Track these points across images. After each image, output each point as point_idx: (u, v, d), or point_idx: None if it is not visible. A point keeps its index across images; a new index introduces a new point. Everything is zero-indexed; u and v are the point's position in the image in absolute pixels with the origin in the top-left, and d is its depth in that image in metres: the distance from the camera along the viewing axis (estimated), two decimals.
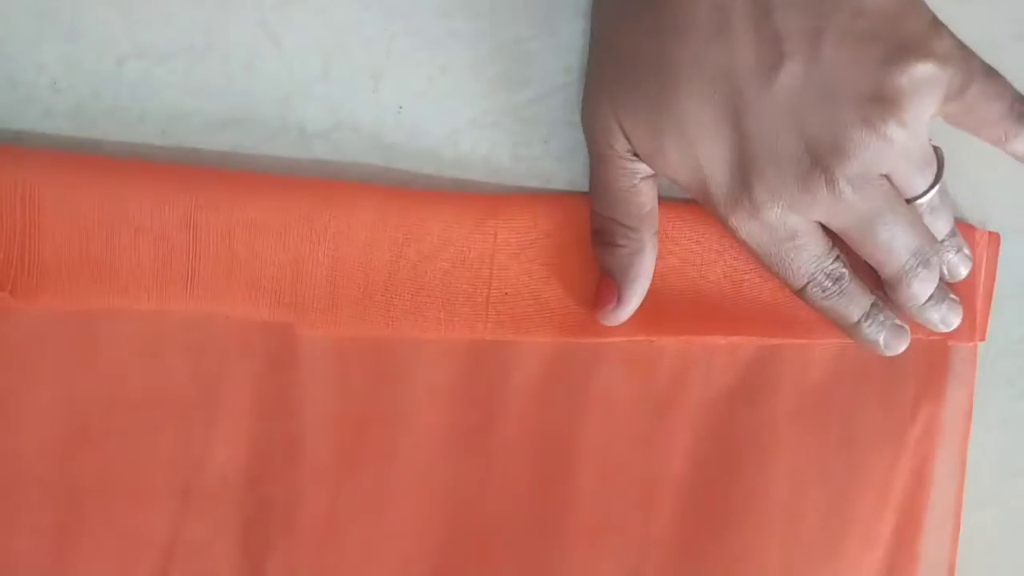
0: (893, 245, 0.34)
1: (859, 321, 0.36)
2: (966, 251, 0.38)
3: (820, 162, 0.33)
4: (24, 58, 0.33)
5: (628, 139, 0.34)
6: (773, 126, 0.32)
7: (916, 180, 0.34)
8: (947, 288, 0.37)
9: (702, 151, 0.33)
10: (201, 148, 0.34)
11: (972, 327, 0.38)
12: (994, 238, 0.39)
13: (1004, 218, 0.39)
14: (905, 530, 0.38)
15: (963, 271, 0.38)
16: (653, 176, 0.35)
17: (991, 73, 0.34)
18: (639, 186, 0.34)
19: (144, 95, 0.34)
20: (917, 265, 0.35)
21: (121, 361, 0.34)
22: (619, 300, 0.35)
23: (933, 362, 0.38)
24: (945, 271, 0.37)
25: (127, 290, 0.33)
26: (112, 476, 0.34)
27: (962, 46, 0.33)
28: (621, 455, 0.37)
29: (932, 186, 0.35)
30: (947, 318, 0.37)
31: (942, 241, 0.37)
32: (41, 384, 0.34)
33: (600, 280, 0.35)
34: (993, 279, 0.39)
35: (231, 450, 0.35)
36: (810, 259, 0.35)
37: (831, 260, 0.35)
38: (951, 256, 0.37)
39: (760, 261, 0.35)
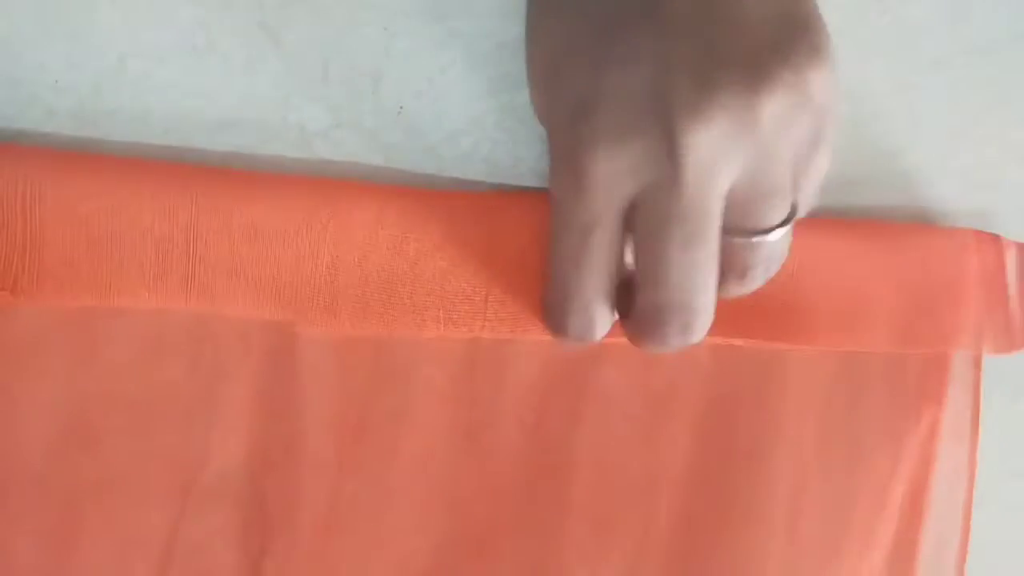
0: (670, 276, 0.29)
1: None
2: None
3: (667, 113, 0.27)
4: (25, 57, 0.33)
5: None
6: (629, 74, 0.28)
7: (765, 210, 0.28)
8: None
9: (562, 66, 0.30)
10: (202, 148, 0.34)
11: (1012, 336, 0.38)
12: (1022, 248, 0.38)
13: (1001, 220, 0.38)
14: (905, 534, 0.38)
15: None
16: None
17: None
18: None
19: (145, 95, 0.34)
20: (675, 327, 0.29)
21: (121, 360, 0.34)
22: None
23: (933, 366, 0.38)
24: None
25: (127, 289, 0.33)
26: (111, 475, 0.35)
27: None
28: (620, 455, 0.37)
29: (781, 223, 0.29)
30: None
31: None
32: (40, 382, 0.34)
33: None
34: None
35: (230, 449, 0.35)
36: (607, 262, 0.30)
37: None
38: None
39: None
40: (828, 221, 0.36)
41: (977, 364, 0.38)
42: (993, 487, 0.38)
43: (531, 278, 0.35)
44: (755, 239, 0.29)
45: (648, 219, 0.28)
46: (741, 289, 0.31)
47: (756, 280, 0.30)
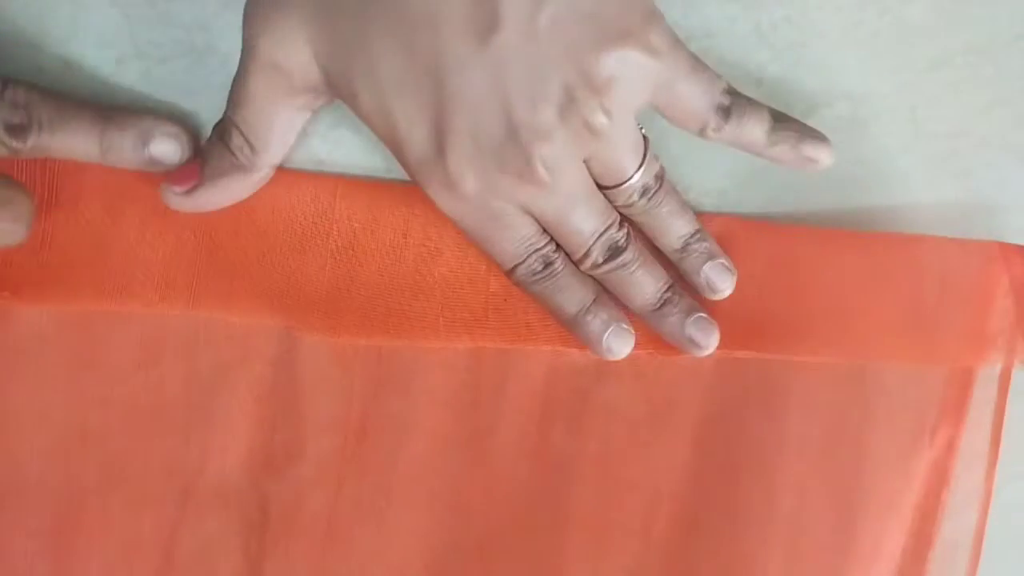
0: (583, 228, 0.33)
1: (577, 314, 0.34)
2: (723, 261, 0.35)
3: (518, 141, 0.30)
4: (24, 58, 0.33)
5: (313, 59, 0.31)
6: (476, 94, 0.30)
7: (621, 166, 0.32)
8: (693, 304, 0.35)
9: (396, 104, 0.30)
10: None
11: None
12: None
13: (1001, 219, 0.38)
14: (913, 553, 0.37)
15: (722, 284, 0.35)
16: (311, 110, 0.33)
17: (699, 69, 0.32)
18: (282, 110, 0.32)
19: (144, 95, 0.34)
20: (597, 240, 0.33)
21: (122, 364, 0.34)
22: (193, 191, 0.32)
23: (956, 383, 0.37)
24: (703, 283, 0.35)
25: (131, 292, 0.33)
26: (112, 479, 0.34)
27: (676, 40, 0.32)
28: (622, 465, 0.36)
29: (637, 169, 0.33)
30: (695, 335, 0.35)
31: (685, 244, 0.35)
32: (43, 386, 0.34)
33: (189, 164, 0.33)
34: None
35: (231, 453, 0.35)
36: (518, 240, 0.33)
37: (543, 243, 0.33)
38: (704, 267, 0.35)
39: (469, 238, 0.33)
40: (843, 233, 0.36)
41: (1005, 384, 0.37)
42: (994, 487, 0.38)
43: None
44: (622, 188, 0.33)
45: (548, 220, 0.33)
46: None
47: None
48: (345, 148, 0.35)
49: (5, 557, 0.34)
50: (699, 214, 0.36)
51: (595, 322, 0.34)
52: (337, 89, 0.31)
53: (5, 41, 0.33)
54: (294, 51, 0.30)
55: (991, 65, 0.37)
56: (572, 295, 0.34)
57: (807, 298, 0.36)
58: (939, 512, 0.37)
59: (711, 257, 0.35)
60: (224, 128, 0.32)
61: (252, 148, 0.32)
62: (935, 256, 0.36)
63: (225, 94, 0.34)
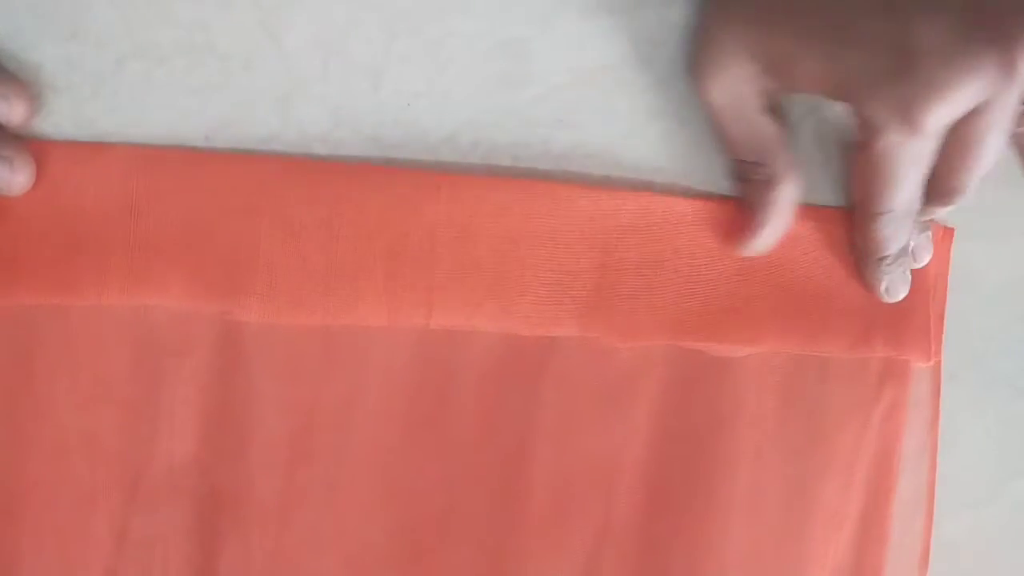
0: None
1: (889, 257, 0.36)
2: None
3: (1002, 41, 0.31)
4: (24, 58, 0.33)
5: (760, 69, 0.33)
6: (937, 22, 0.31)
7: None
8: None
9: (848, 55, 0.32)
10: (201, 149, 0.34)
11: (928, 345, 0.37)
12: (948, 233, 0.38)
13: (1003, 220, 0.39)
14: (873, 511, 0.38)
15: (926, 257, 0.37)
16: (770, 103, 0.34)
17: None
18: (760, 116, 0.34)
19: (144, 95, 0.34)
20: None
21: (64, 358, 0.34)
22: (757, 233, 0.35)
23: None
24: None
25: (65, 283, 0.33)
26: (59, 473, 0.34)
27: None
28: (579, 442, 0.36)
29: None
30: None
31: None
32: None
33: (742, 213, 0.35)
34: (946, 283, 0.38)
35: (179, 442, 0.35)
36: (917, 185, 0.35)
37: None
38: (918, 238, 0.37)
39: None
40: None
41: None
42: (994, 486, 0.38)
43: (479, 264, 0.34)
44: None
45: (977, 128, 0.33)
46: None
47: None
48: (345, 148, 0.35)
49: None
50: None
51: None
52: (778, 72, 0.33)
53: (5, 40, 0.33)
54: (746, 76, 0.33)
55: None
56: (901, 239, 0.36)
57: (753, 288, 0.36)
58: (894, 470, 0.38)
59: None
60: (739, 168, 0.35)
61: (766, 163, 0.34)
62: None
63: (224, 94, 0.34)
